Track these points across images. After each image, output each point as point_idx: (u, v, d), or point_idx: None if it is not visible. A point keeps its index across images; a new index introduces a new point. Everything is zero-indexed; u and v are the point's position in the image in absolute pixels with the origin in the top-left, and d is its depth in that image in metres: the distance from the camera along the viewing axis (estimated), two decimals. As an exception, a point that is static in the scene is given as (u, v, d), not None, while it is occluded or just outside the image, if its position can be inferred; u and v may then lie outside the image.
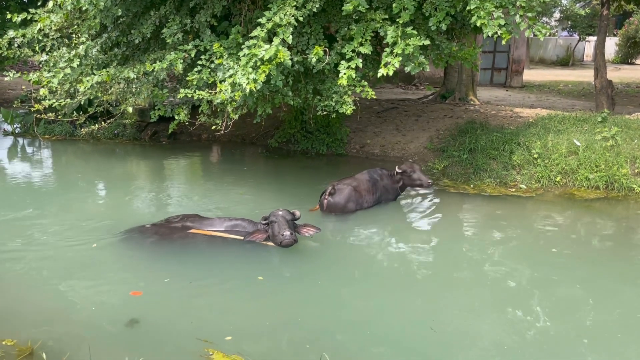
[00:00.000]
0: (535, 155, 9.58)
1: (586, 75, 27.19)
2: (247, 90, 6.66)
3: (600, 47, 13.36)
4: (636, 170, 9.10)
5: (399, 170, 8.13)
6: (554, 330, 4.97)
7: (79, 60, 7.94)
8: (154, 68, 7.54)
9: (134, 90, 8.57)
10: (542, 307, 5.38)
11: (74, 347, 4.61)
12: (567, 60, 36.34)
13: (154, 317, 5.10)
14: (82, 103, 10.51)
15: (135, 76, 7.82)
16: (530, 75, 26.30)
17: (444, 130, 11.67)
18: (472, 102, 14.48)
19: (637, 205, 8.56)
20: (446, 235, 7.37)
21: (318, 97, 8.14)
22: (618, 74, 25.71)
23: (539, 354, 4.60)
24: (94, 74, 7.97)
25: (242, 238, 6.53)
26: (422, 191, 8.82)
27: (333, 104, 7.81)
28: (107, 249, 6.59)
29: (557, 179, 9.25)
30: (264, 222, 6.56)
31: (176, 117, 8.54)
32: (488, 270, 6.30)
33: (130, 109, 8.73)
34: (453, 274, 6.20)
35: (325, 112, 8.04)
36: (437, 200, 8.77)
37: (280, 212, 6.49)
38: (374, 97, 7.50)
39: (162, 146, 12.99)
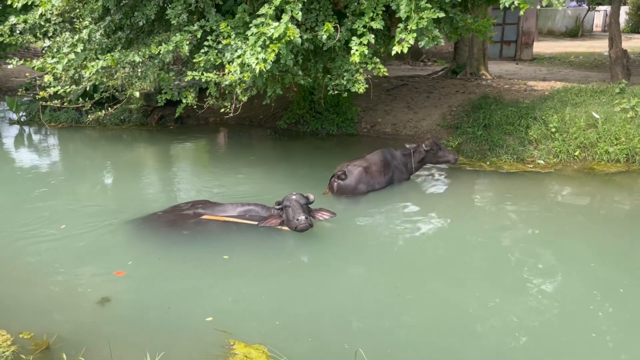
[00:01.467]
0: (553, 130, 9.33)
1: (596, 46, 26.61)
2: (257, 71, 6.43)
3: (615, 16, 12.94)
4: (658, 142, 8.83)
5: (426, 148, 8.00)
6: (578, 306, 4.83)
7: (82, 45, 7.73)
8: (160, 51, 7.32)
9: (139, 75, 8.35)
10: (566, 285, 5.24)
11: (91, 340, 4.50)
12: (576, 31, 35.56)
13: (171, 307, 4.97)
14: (87, 89, 10.31)
15: (140, 60, 7.62)
16: (540, 47, 25.74)
17: (456, 107, 11.41)
18: (484, 77, 14.14)
19: (660, 178, 8.33)
20: (463, 215, 7.18)
21: (329, 76, 7.89)
22: (629, 44, 25.09)
23: (563, 335, 4.44)
24: (98, 58, 7.77)
25: (256, 223, 6.39)
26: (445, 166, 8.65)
27: (345, 82, 7.57)
28: (119, 237, 6.47)
29: (576, 153, 9.01)
30: (277, 207, 6.40)
31: (183, 101, 8.34)
32: (508, 249, 6.12)
33: (137, 94, 8.53)
34: (473, 255, 6.03)
35: (336, 92, 7.80)
36: (452, 178, 8.57)
37: (294, 196, 6.33)
38: (386, 74, 7.25)
39: (169, 131, 12.82)
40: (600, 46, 26.61)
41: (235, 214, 6.61)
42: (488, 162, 9.14)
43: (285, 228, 6.31)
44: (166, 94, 8.56)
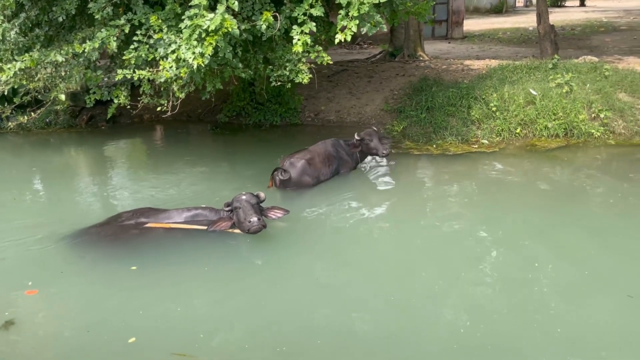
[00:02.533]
0: (494, 109, 9.45)
1: (521, 22, 27.54)
2: (195, 66, 6.01)
3: (542, -7, 13.30)
4: (593, 115, 9.13)
5: (358, 138, 7.82)
6: (522, 280, 4.96)
7: (-5, 45, 6.98)
8: (85, 48, 6.71)
9: (63, 75, 7.68)
10: (504, 262, 5.39)
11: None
12: (500, 8, 36.65)
13: (122, 329, 4.57)
14: (5, 93, 9.41)
15: (63, 59, 6.98)
16: (468, 25, 26.30)
17: (398, 90, 11.38)
18: (421, 58, 14.20)
19: (597, 151, 8.62)
20: (411, 201, 7.12)
21: (270, 67, 7.55)
22: (551, 18, 26.15)
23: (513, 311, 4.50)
24: (15, 59, 7.05)
25: (205, 228, 6.04)
26: (380, 159, 8.45)
27: (287, 73, 7.27)
28: (55, 255, 5.92)
29: (518, 130, 9.18)
30: (227, 208, 6.08)
31: (115, 101, 7.76)
32: (458, 231, 6.14)
33: (62, 96, 7.88)
34: (423, 240, 6.01)
35: (279, 83, 7.48)
36: (400, 164, 8.52)
37: (244, 197, 6.01)
38: (330, 62, 7.02)
39: (100, 131, 12.04)
40: (524, 21, 27.56)
41: (181, 220, 6.23)
42: (434, 145, 9.15)
43: (237, 231, 6.01)
44: (95, 94, 7.93)
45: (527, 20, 27.48)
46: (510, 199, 7.00)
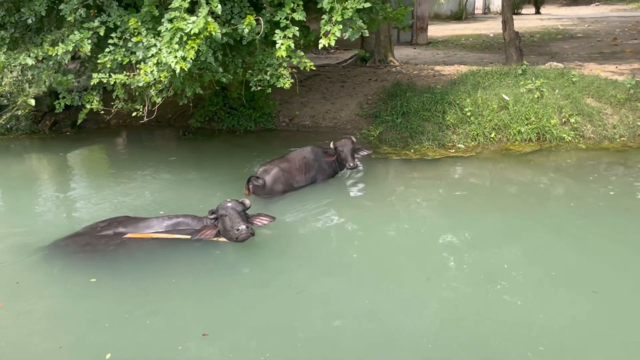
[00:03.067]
0: (468, 113, 9.60)
1: (482, 28, 28.20)
2: (178, 70, 5.82)
3: (506, 0, 13.61)
4: (563, 120, 9.38)
5: (332, 147, 7.73)
6: (494, 282, 5.09)
7: (-42, 47, 6.58)
8: (57, 51, 6.41)
9: (31, 79, 7.31)
10: (477, 265, 5.50)
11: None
12: (460, 14, 37.40)
13: (97, 344, 4.37)
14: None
15: (33, 62, 6.65)
16: (431, 31, 26.76)
17: (372, 95, 11.40)
18: (392, 63, 14.30)
19: (568, 155, 8.85)
20: (394, 205, 7.15)
21: (250, 71, 7.41)
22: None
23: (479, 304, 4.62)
24: (-21, 63, 6.67)
25: (188, 237, 5.85)
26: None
27: (268, 78, 7.16)
28: (26, 271, 5.60)
29: (492, 135, 9.34)
30: (211, 216, 5.91)
31: (87, 106, 7.46)
32: (437, 235, 6.20)
33: (32, 101, 7.49)
34: (403, 243, 6.08)
35: (259, 87, 7.36)
36: (381, 168, 8.52)
37: (230, 204, 5.87)
38: (313, 67, 6.95)
39: (65, 137, 11.58)
40: (484, 28, 28.23)
41: (162, 229, 6.02)
42: (412, 150, 9.20)
43: (223, 239, 5.85)
44: (65, 99, 7.60)
45: (487, 27, 28.18)
46: (486, 202, 7.12)
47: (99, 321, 4.71)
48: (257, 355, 4.22)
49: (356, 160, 7.57)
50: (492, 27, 27.63)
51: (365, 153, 7.69)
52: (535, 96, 9.67)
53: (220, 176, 8.43)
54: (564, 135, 9.15)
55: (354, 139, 7.65)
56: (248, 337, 4.47)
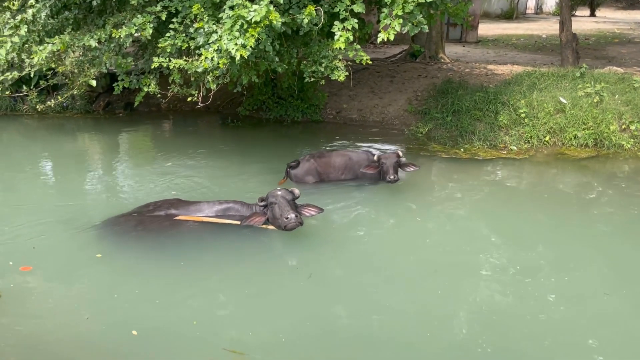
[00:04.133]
0: (522, 115, 9.35)
1: (533, 28, 27.42)
2: (238, 57, 5.85)
3: (565, 0, 13.15)
4: (623, 127, 9.03)
5: (375, 159, 7.28)
6: (534, 289, 5.01)
7: (26, 26, 6.78)
8: (120, 34, 6.54)
9: (92, 59, 7.49)
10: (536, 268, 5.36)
11: None
12: (511, 14, 36.47)
13: (160, 324, 4.45)
14: (32, 75, 9.21)
15: (96, 43, 6.80)
16: (481, 29, 26.19)
17: (421, 91, 11.24)
18: (442, 60, 14.06)
19: (626, 163, 8.52)
20: (439, 206, 7.02)
21: (304, 62, 7.40)
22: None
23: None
24: (45, 41, 6.86)
25: (238, 223, 5.88)
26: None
27: (322, 69, 7.13)
28: (79, 246, 5.74)
29: (547, 138, 9.08)
30: (261, 204, 5.93)
31: (144, 89, 7.59)
32: (482, 236, 6.12)
33: (94, 82, 7.65)
34: (460, 244, 5.92)
35: (313, 79, 7.33)
36: (430, 166, 8.40)
37: (280, 192, 5.88)
38: (370, 62, 6.88)
39: (117, 118, 11.86)
40: (536, 28, 27.44)
41: (212, 213, 6.08)
42: (462, 149, 9.02)
43: (271, 227, 5.87)
44: (123, 82, 7.76)
45: (539, 28, 27.38)
46: (535, 206, 6.94)
47: (135, 298, 4.81)
48: (291, 339, 4.26)
49: (397, 174, 7.07)
50: (545, 28, 26.84)
51: (412, 169, 7.24)
52: (594, 100, 9.33)
53: (265, 165, 8.46)
54: (623, 142, 8.80)
55: (400, 153, 7.23)
56: (283, 322, 4.51)
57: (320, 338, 4.30)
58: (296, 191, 6.01)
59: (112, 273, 5.28)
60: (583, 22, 31.72)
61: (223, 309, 4.71)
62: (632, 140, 8.85)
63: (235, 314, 4.64)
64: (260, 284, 5.09)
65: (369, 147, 9.23)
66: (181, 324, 4.43)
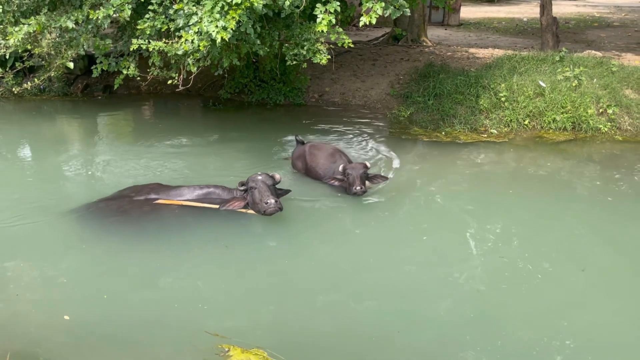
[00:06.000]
0: (503, 99, 9.45)
1: (515, 12, 27.48)
2: (218, 40, 5.78)
3: (546, -17, 13.20)
4: (600, 110, 9.16)
5: (340, 170, 6.64)
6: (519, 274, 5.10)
7: (1, 6, 6.60)
8: (98, 15, 6.40)
9: (69, 41, 7.33)
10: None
11: (55, 354, 3.91)
12: (493, -4, 36.46)
13: (141, 308, 4.47)
14: (7, 57, 8.98)
15: (73, 25, 6.65)
16: (463, 12, 26.16)
17: (403, 75, 11.26)
18: (425, 44, 14.06)
19: (603, 146, 8.67)
20: (422, 189, 7.11)
21: (286, 45, 7.34)
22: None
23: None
24: (21, 22, 6.70)
25: (217, 207, 5.90)
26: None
27: (304, 52, 7.09)
28: (59, 232, 5.70)
29: (526, 122, 9.20)
30: (241, 188, 5.94)
31: (123, 72, 7.48)
32: (461, 221, 6.19)
33: (71, 64, 7.50)
34: (429, 227, 6.04)
35: (295, 62, 7.29)
36: (410, 150, 8.46)
37: (260, 177, 5.89)
38: (351, 45, 6.85)
39: (96, 101, 11.65)
40: (517, 11, 27.50)
41: (193, 197, 6.09)
42: (443, 133, 9.10)
43: (251, 211, 5.89)
44: (102, 64, 7.62)
45: (521, 11, 27.45)
46: (515, 189, 7.05)
47: (116, 283, 4.81)
48: (273, 322, 4.33)
49: (364, 186, 6.45)
50: (526, 11, 26.92)
51: (380, 182, 6.71)
52: (573, 84, 9.44)
53: (247, 148, 8.46)
54: (600, 126, 8.94)
55: (368, 165, 6.69)
56: (265, 305, 4.56)
57: (300, 321, 4.36)
58: (277, 176, 6.04)
59: (93, 258, 5.25)
60: (564, 6, 31.87)
61: (204, 293, 4.74)
62: (609, 123, 9.00)
63: (216, 297, 4.67)
64: (240, 268, 5.12)
65: (351, 130, 9.29)
66: (163, 308, 4.46)
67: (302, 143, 7.50)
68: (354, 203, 6.44)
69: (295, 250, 5.48)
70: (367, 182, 6.54)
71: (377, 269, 5.12)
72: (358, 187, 6.32)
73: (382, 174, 6.96)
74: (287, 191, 6.19)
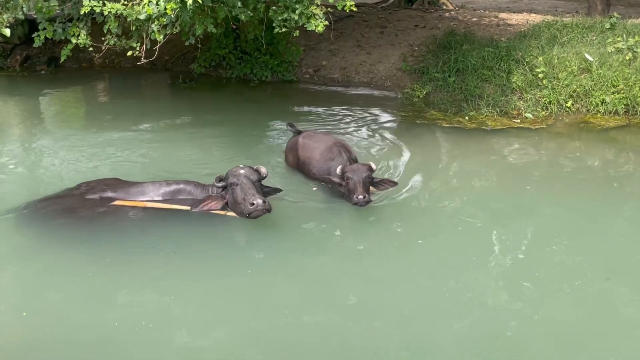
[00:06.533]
0: (540, 75, 9.52)
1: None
2: (189, 1, 5.77)
3: None
4: (660, 90, 9.20)
5: (339, 172, 6.40)
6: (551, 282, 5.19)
7: None
8: (40, -29, 6.39)
9: (5, 3, 7.31)
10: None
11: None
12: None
13: (94, 329, 4.44)
14: None
15: (9, -17, 6.63)
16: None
17: (419, 45, 11.35)
18: (444, 7, 14.14)
19: (662, 133, 8.72)
20: (451, 187, 7.11)
21: (273, 8, 7.34)
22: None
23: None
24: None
25: (188, 208, 5.87)
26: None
27: (296, 17, 7.09)
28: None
29: (568, 104, 9.26)
30: (219, 184, 5.91)
31: (72, 40, 7.46)
32: (501, 223, 6.21)
33: (7, 31, 7.45)
34: (447, 230, 6.08)
35: (284, 29, 7.29)
36: (427, 139, 8.49)
37: (243, 171, 5.86)
38: (354, 8, 6.86)
39: (39, 77, 11.74)
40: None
41: (159, 197, 6.07)
42: (467, 117, 9.15)
43: (231, 213, 5.86)
44: (45, 31, 7.60)
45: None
46: (553, 187, 7.06)
47: (64, 300, 4.79)
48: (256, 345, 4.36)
49: (369, 194, 6.22)
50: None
51: (388, 187, 6.47)
52: (627, 58, 9.50)
53: (226, 136, 8.46)
54: (660, 109, 9.02)
55: (374, 167, 6.42)
56: (245, 326, 4.57)
57: (285, 344, 4.38)
58: (263, 170, 6.01)
59: (36, 269, 5.24)
60: (616, -39, 31.97)
61: (171, 312, 4.72)
62: (670, 106, 9.06)
63: (185, 316, 4.66)
64: (215, 282, 5.10)
65: (353, 114, 9.31)
66: (120, 328, 4.45)
67: (298, 132, 7.42)
68: (353, 207, 6.41)
69: (283, 263, 5.44)
70: (371, 188, 6.30)
71: (378, 286, 5.10)
72: (360, 196, 6.02)
73: (390, 179, 6.68)
74: (277, 190, 6.16)
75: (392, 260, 5.55)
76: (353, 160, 6.76)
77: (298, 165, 7.12)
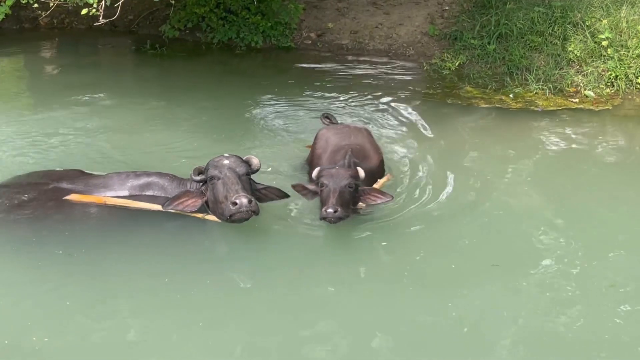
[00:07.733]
0: (604, 43, 9.55)
1: None
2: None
3: None
4: None
5: (314, 176, 6.31)
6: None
7: None
8: None
9: None
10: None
11: None
12: None
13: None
14: None
15: None
16: None
17: (450, 4, 11.40)
18: (483, -45, 14.10)
19: None
20: (494, 181, 7.15)
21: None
22: None
23: None
24: None
25: (159, 207, 5.93)
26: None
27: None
28: None
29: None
30: (197, 178, 5.96)
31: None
32: (556, 223, 6.35)
33: None
34: (509, 235, 6.15)
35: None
36: (460, 122, 8.54)
37: (227, 162, 5.90)
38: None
39: (-31, 41, 11.76)
40: None
41: (125, 192, 6.16)
42: (511, 95, 9.19)
43: (210, 216, 5.93)
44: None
45: None
46: (617, 184, 7.13)
47: (6, 317, 4.86)
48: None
49: (345, 208, 5.98)
50: None
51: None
52: None
53: (205, 115, 8.55)
54: None
55: (362, 174, 6.21)
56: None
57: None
58: (254, 160, 6.04)
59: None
60: None
61: (134, 333, 4.82)
62: None
63: (149, 341, 4.75)
64: (188, 300, 5.16)
65: (365, 91, 9.32)
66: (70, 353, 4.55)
67: (330, 122, 7.36)
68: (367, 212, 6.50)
69: (271, 280, 5.49)
70: (359, 202, 6.22)
71: (386, 312, 5.16)
72: (330, 210, 5.76)
73: (383, 191, 6.40)
74: (282, 194, 6.15)
75: (401, 282, 5.59)
76: (369, 169, 6.54)
77: (308, 161, 7.16)
